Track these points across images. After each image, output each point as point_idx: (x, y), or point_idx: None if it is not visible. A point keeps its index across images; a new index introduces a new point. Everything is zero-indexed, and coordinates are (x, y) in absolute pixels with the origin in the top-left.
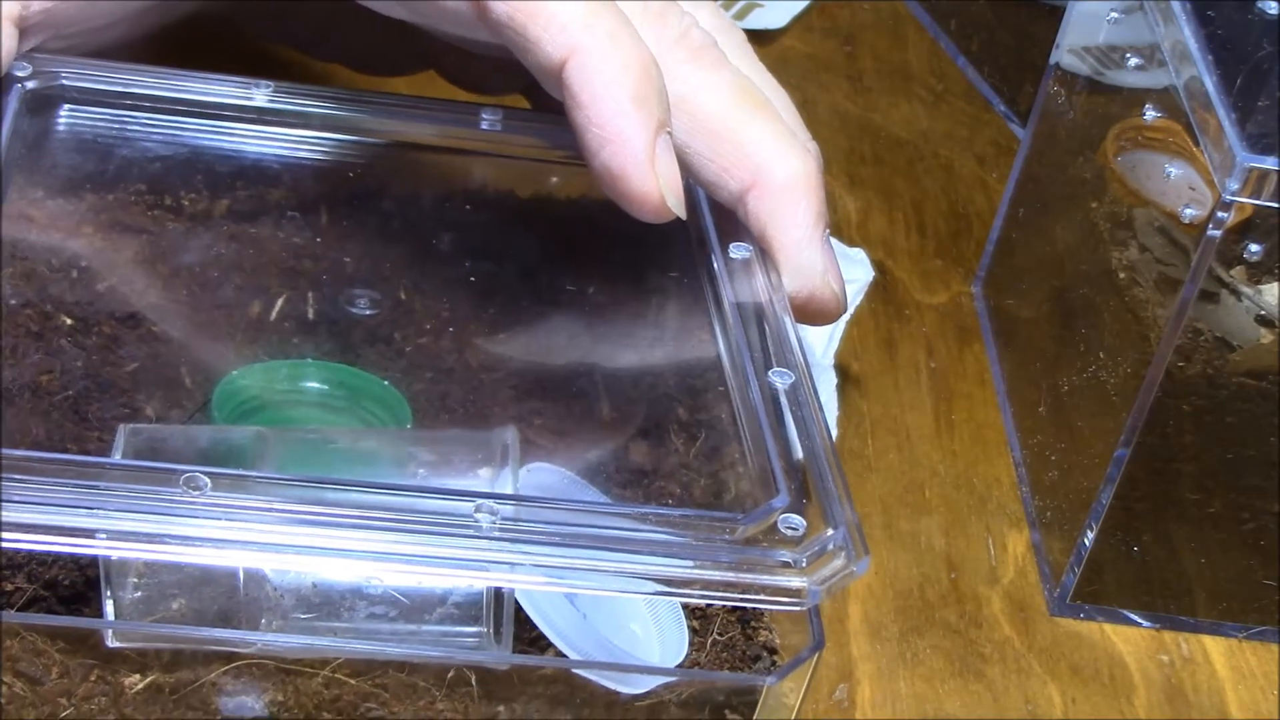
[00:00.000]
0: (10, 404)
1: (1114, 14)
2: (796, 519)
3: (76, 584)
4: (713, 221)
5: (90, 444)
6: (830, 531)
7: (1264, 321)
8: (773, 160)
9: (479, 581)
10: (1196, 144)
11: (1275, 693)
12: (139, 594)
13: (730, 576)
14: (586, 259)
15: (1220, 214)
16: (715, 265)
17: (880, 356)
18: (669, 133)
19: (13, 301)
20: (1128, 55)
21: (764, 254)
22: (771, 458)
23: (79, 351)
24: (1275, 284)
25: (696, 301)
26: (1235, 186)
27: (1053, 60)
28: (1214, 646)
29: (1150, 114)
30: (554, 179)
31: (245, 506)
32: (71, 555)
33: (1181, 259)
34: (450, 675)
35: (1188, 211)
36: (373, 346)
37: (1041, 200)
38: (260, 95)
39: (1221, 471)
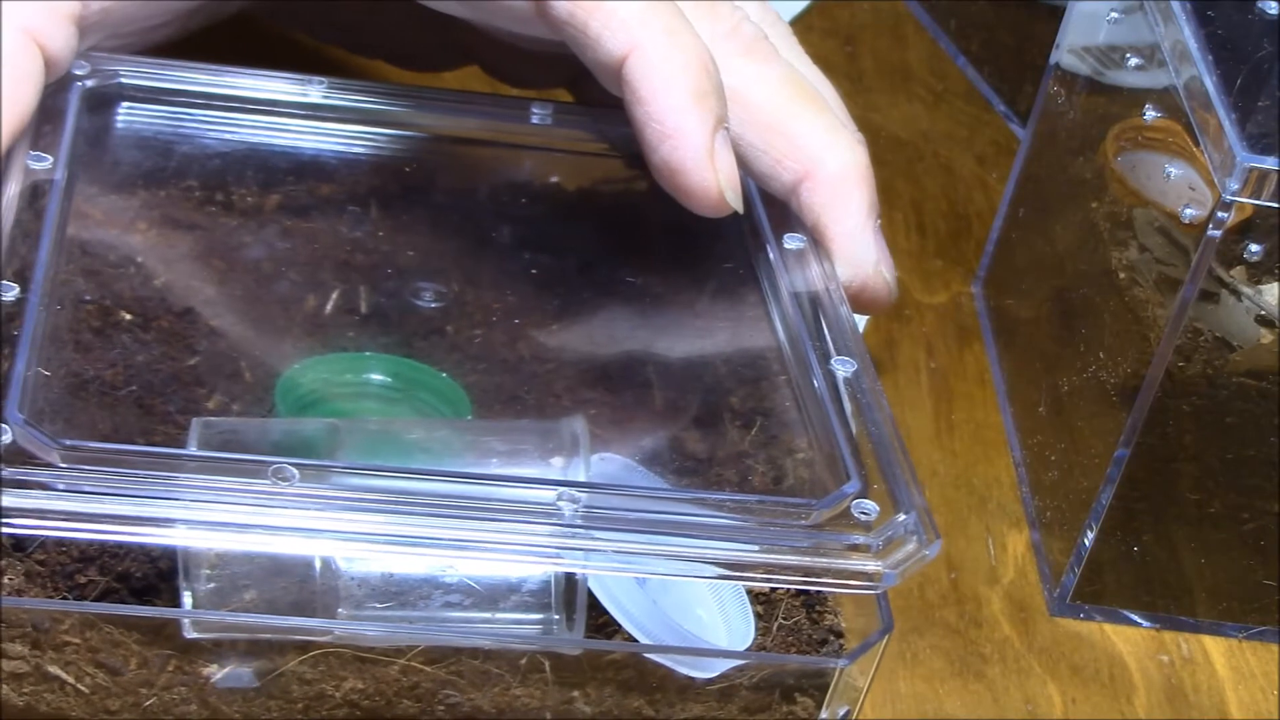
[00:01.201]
0: (77, 398)
1: (1114, 14)
2: (869, 504)
3: (149, 576)
4: (764, 213)
5: (157, 437)
6: (902, 516)
7: (1264, 321)
8: (825, 152)
9: (564, 569)
10: (1196, 144)
11: (1275, 693)
12: (212, 585)
13: (807, 561)
14: (639, 251)
15: (1220, 214)
16: (770, 256)
17: (880, 356)
18: (726, 128)
19: (86, 298)
20: (1128, 55)
21: (817, 244)
22: (839, 444)
23: (140, 346)
24: (1275, 284)
25: (751, 291)
26: (1235, 186)
27: (1053, 60)
28: (1214, 646)
29: (1150, 114)
30: (604, 172)
31: (333, 497)
32: (159, 546)
33: (1181, 259)
34: (523, 662)
35: (1188, 211)
36: (427, 339)
37: (1041, 200)
38: (315, 91)
39: (1221, 471)
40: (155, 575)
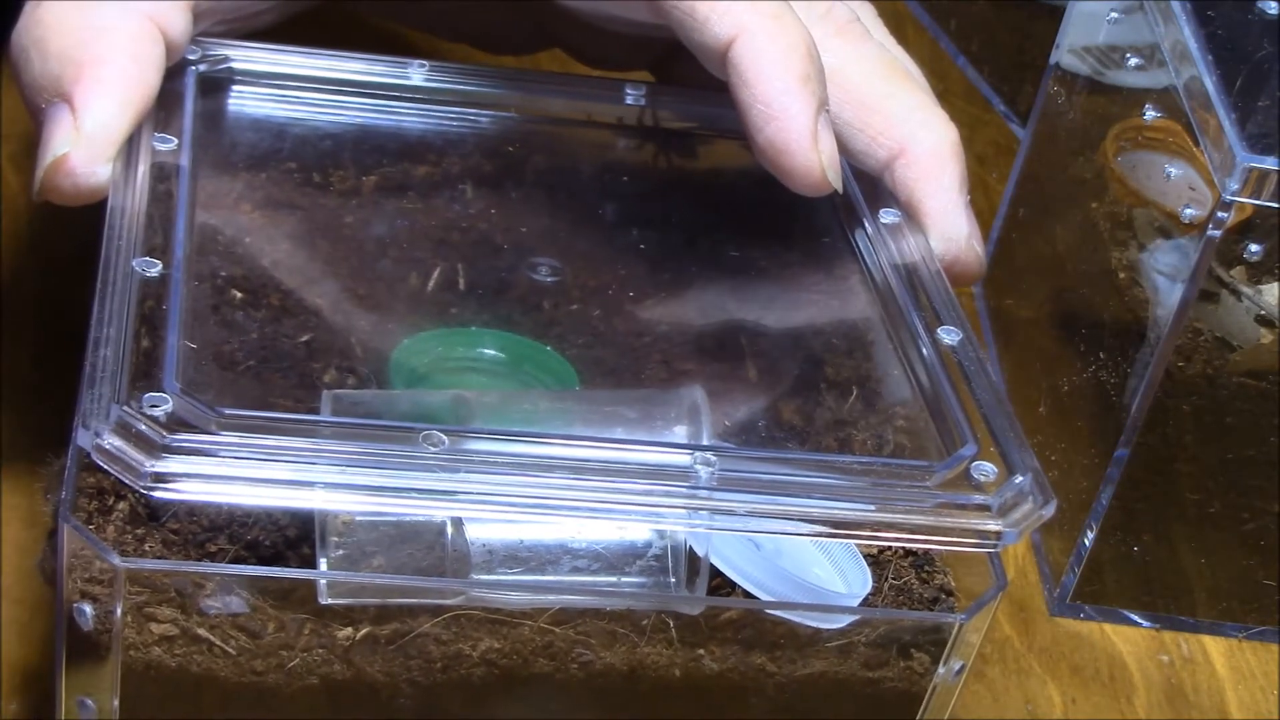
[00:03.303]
0: (209, 370)
1: (1114, 14)
2: (988, 466)
3: (277, 544)
4: (857, 189)
5: (278, 411)
6: (1019, 478)
7: (1264, 321)
8: (919, 129)
9: (700, 530)
10: (1196, 144)
11: (1275, 693)
12: (341, 552)
13: (930, 521)
14: (735, 227)
15: (1220, 214)
16: (868, 230)
17: None
18: (827, 110)
19: (210, 276)
20: (1128, 55)
21: (910, 219)
22: (953, 409)
23: (254, 323)
24: (1275, 284)
25: (850, 265)
26: (1235, 186)
27: (1053, 60)
28: (1214, 646)
29: (1150, 114)
30: (697, 150)
31: (483, 462)
32: (287, 515)
33: (1182, 259)
34: (646, 623)
35: (1188, 211)
36: (526, 314)
37: (1041, 200)
38: (416, 74)
39: (1221, 471)
40: (283, 543)
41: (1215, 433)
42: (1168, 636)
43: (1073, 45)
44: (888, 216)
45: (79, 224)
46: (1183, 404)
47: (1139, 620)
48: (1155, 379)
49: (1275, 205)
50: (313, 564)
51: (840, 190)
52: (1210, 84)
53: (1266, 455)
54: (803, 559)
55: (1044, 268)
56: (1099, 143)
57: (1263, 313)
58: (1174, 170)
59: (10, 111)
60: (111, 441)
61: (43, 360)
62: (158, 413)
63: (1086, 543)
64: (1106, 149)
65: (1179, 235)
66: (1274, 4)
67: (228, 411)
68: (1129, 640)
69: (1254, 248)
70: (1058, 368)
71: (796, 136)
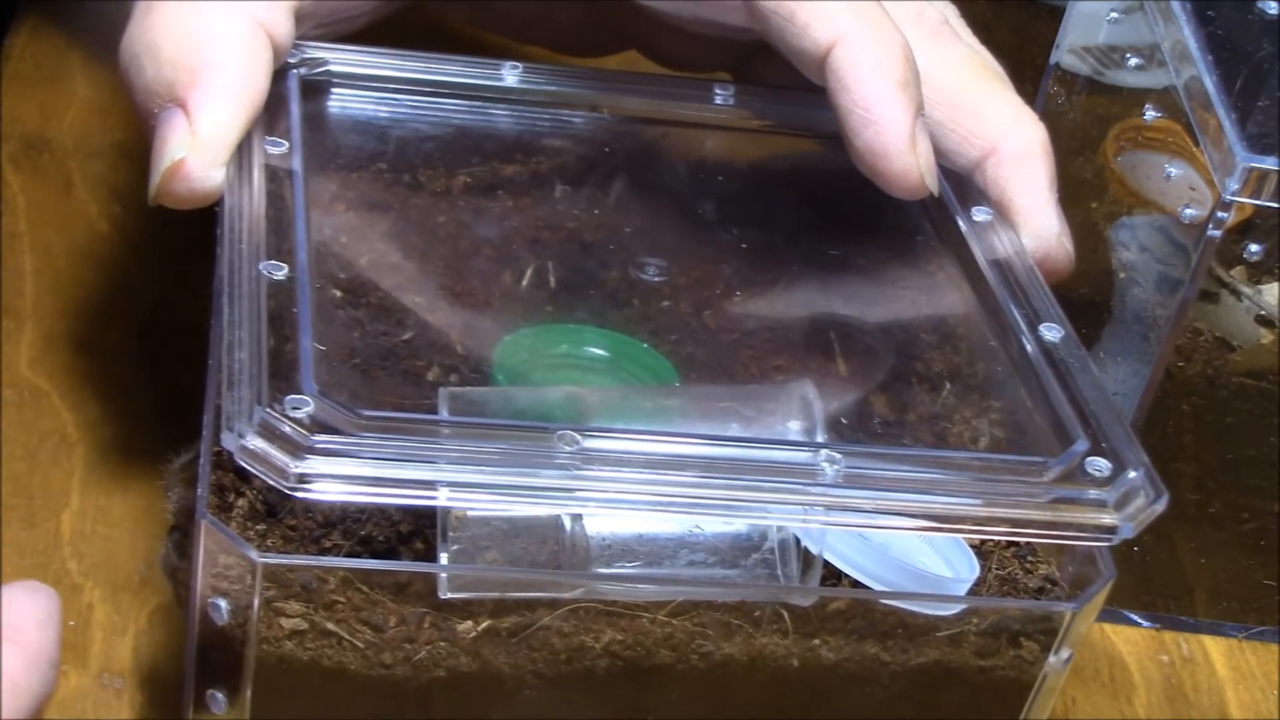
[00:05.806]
0: (333, 374)
1: (1114, 14)
2: (1101, 461)
3: (390, 539)
4: (948, 187)
5: (386, 408)
6: (1132, 473)
7: (1264, 321)
8: (1010, 129)
9: (827, 526)
10: (1196, 144)
11: (1275, 693)
12: (456, 548)
13: (1049, 515)
14: (826, 226)
15: (1220, 214)
16: (962, 228)
17: None
18: (923, 114)
19: (333, 278)
20: (1128, 55)
21: (1002, 217)
22: (1062, 406)
23: (362, 324)
24: (1275, 284)
25: (945, 262)
26: (1235, 186)
27: (1053, 60)
28: (1214, 646)
29: (1150, 114)
30: (786, 150)
31: (616, 460)
32: (408, 509)
33: (1181, 259)
34: (757, 614)
35: (1188, 211)
36: (620, 311)
37: None
38: (510, 76)
39: (1221, 471)
40: (395, 539)
41: (1215, 433)
42: (1168, 636)
43: (1073, 45)
44: (980, 214)
45: (77, 225)
46: (1183, 404)
47: (1139, 620)
48: (1155, 379)
49: (1275, 205)
50: (427, 559)
51: (936, 193)
52: (1210, 84)
53: (1266, 455)
54: (909, 548)
55: None
56: (1099, 143)
57: (1263, 313)
58: (1174, 170)
59: (10, 111)
60: (255, 443)
61: (40, 361)
62: (300, 414)
63: None
64: (1106, 149)
65: (1179, 235)
66: (1274, 4)
67: (365, 413)
68: (1129, 640)
69: (1254, 248)
70: None
71: (894, 141)
